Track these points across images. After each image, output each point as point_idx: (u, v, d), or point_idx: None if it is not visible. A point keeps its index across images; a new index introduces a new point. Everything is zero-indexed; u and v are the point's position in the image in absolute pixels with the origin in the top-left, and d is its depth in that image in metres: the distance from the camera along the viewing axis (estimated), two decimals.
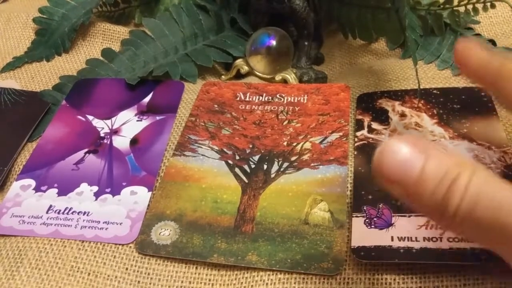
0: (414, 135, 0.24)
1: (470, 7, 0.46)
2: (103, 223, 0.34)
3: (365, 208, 0.32)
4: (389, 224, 0.31)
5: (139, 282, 0.31)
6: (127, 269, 0.32)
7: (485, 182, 0.21)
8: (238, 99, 0.43)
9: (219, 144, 0.39)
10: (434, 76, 0.44)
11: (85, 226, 0.34)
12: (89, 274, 0.31)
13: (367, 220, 0.32)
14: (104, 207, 0.35)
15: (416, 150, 0.22)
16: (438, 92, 0.41)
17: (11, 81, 0.48)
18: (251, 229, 0.33)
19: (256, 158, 0.38)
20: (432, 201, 0.21)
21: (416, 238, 0.30)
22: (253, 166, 0.37)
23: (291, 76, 0.46)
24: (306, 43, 0.49)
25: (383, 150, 0.22)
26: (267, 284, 0.30)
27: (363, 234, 0.31)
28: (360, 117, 0.40)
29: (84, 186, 0.37)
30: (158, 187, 0.36)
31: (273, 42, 0.46)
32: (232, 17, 0.51)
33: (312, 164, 0.37)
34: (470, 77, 0.31)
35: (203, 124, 0.41)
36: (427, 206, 0.22)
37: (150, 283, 0.31)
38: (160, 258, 0.32)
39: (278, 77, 0.47)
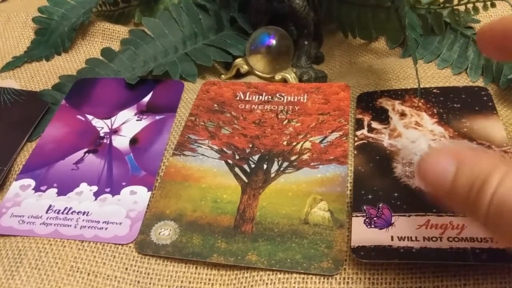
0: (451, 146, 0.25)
1: (470, 6, 0.46)
2: (103, 223, 0.34)
3: (365, 207, 0.32)
4: (389, 224, 0.31)
5: (138, 282, 0.31)
6: (126, 269, 0.32)
7: None
8: (238, 98, 0.43)
9: (218, 143, 0.39)
10: (434, 75, 0.44)
11: (85, 226, 0.34)
12: (88, 274, 0.31)
13: (367, 220, 0.31)
14: (103, 207, 0.35)
15: (450, 158, 0.23)
16: (438, 91, 0.41)
17: (11, 81, 0.48)
18: (251, 229, 0.33)
19: (256, 157, 0.38)
20: (466, 205, 0.23)
21: (416, 238, 0.30)
22: (253, 165, 0.37)
23: (291, 75, 0.46)
24: (306, 42, 0.49)
25: (422, 160, 0.24)
26: (267, 284, 0.30)
27: (363, 234, 0.31)
28: (360, 116, 0.40)
29: (83, 186, 0.37)
30: (157, 187, 0.36)
31: (273, 42, 0.46)
32: (232, 17, 0.51)
33: (312, 164, 0.37)
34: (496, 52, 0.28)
35: (202, 123, 0.41)
36: (463, 210, 0.24)
37: (150, 283, 0.31)
38: (160, 258, 0.32)
39: (278, 77, 0.47)
